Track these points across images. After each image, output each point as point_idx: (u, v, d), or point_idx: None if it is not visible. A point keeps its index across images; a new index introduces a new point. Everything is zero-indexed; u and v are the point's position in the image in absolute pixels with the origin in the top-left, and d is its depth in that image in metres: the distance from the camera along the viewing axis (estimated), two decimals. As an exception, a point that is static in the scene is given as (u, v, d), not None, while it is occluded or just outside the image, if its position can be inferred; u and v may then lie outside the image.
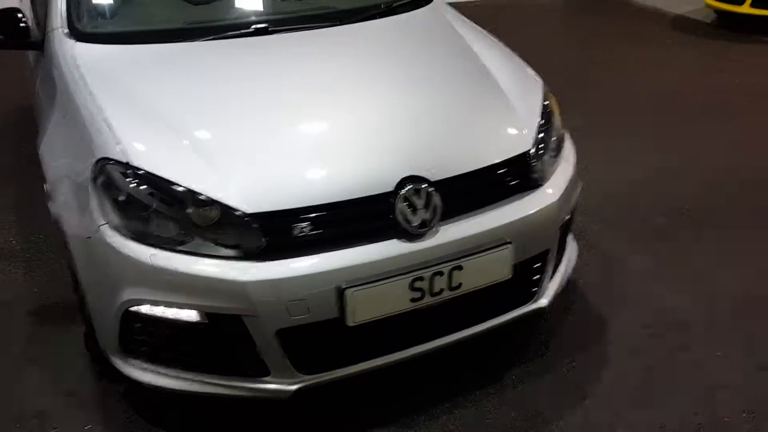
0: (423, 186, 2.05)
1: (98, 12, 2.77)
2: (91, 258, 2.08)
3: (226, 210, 1.96)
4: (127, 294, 2.00)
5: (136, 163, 2.03)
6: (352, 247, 1.99)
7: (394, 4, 2.96)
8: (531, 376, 2.41)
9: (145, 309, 2.02)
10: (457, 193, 2.12)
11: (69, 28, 2.60)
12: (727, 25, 6.72)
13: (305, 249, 1.97)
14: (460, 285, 2.11)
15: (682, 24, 6.99)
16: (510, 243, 2.15)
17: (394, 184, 2.04)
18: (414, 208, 2.04)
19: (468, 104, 2.42)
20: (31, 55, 3.18)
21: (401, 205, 2.03)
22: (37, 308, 2.86)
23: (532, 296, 2.34)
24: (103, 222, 2.02)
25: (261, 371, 2.04)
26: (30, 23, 2.80)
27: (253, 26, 2.67)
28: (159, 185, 2.00)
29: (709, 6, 6.81)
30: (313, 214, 1.98)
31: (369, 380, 2.18)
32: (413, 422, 2.23)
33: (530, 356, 2.51)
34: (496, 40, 2.87)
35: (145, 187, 2.00)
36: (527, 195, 2.26)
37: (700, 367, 2.44)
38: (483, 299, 2.21)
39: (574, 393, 2.34)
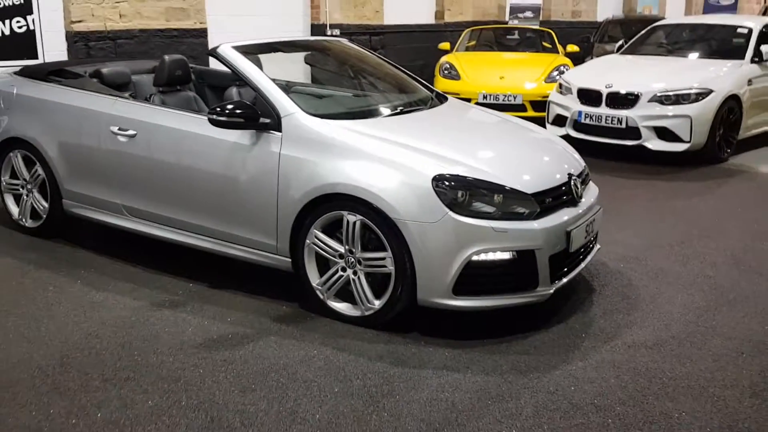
0: (575, 176, 3.91)
1: (315, 101, 4.03)
2: (435, 234, 3.42)
3: (518, 193, 3.56)
4: (471, 249, 3.43)
5: (463, 174, 3.52)
6: (562, 209, 3.74)
7: (434, 97, 4.74)
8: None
9: (481, 257, 3.46)
10: (581, 180, 4.02)
11: (306, 112, 3.84)
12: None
13: (550, 211, 3.67)
14: (593, 231, 3.99)
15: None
16: (601, 207, 4.12)
17: (566, 176, 3.87)
18: (577, 187, 3.88)
19: (552, 141, 4.36)
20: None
21: (573, 187, 3.85)
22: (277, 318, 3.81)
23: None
24: (447, 211, 3.44)
25: (534, 285, 3.61)
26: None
27: (404, 107, 4.32)
28: (481, 185, 3.51)
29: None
30: (551, 193, 3.70)
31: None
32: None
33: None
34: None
35: (472, 187, 3.49)
36: (590, 184, 4.26)
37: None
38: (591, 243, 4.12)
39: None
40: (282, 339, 3.57)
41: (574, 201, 3.84)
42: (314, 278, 3.82)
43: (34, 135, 4.76)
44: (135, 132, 4.30)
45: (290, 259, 3.89)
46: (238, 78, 4.32)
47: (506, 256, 3.52)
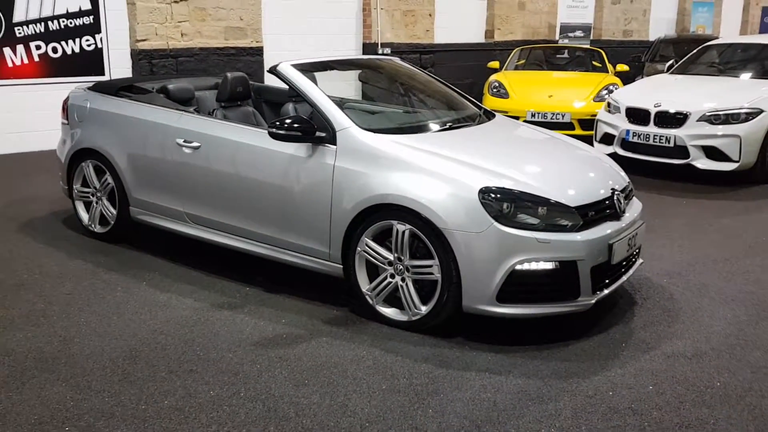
0: (618, 191, 4.04)
1: (368, 117, 4.24)
2: (481, 244, 3.59)
3: (562, 206, 3.71)
4: (515, 258, 3.59)
5: (509, 187, 3.68)
6: (605, 223, 3.87)
7: (482, 114, 4.93)
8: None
9: (525, 266, 3.61)
10: (624, 196, 4.15)
11: (359, 126, 4.06)
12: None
13: (593, 224, 3.80)
14: (636, 245, 4.10)
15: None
16: (643, 222, 4.23)
17: (610, 191, 4.00)
18: (620, 202, 4.01)
19: (597, 158, 4.50)
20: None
21: (616, 201, 3.98)
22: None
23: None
24: (492, 222, 3.60)
25: (575, 295, 3.74)
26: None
27: (452, 123, 4.50)
28: (526, 198, 3.67)
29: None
30: (594, 207, 3.84)
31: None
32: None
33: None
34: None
35: (518, 199, 3.65)
36: (633, 200, 4.38)
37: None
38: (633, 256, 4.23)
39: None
40: (333, 340, 3.77)
41: (616, 215, 3.97)
42: (364, 284, 4.02)
43: (105, 146, 5.09)
44: (199, 144, 4.58)
45: (341, 266, 4.09)
46: (294, 94, 4.58)
47: (549, 266, 3.66)
